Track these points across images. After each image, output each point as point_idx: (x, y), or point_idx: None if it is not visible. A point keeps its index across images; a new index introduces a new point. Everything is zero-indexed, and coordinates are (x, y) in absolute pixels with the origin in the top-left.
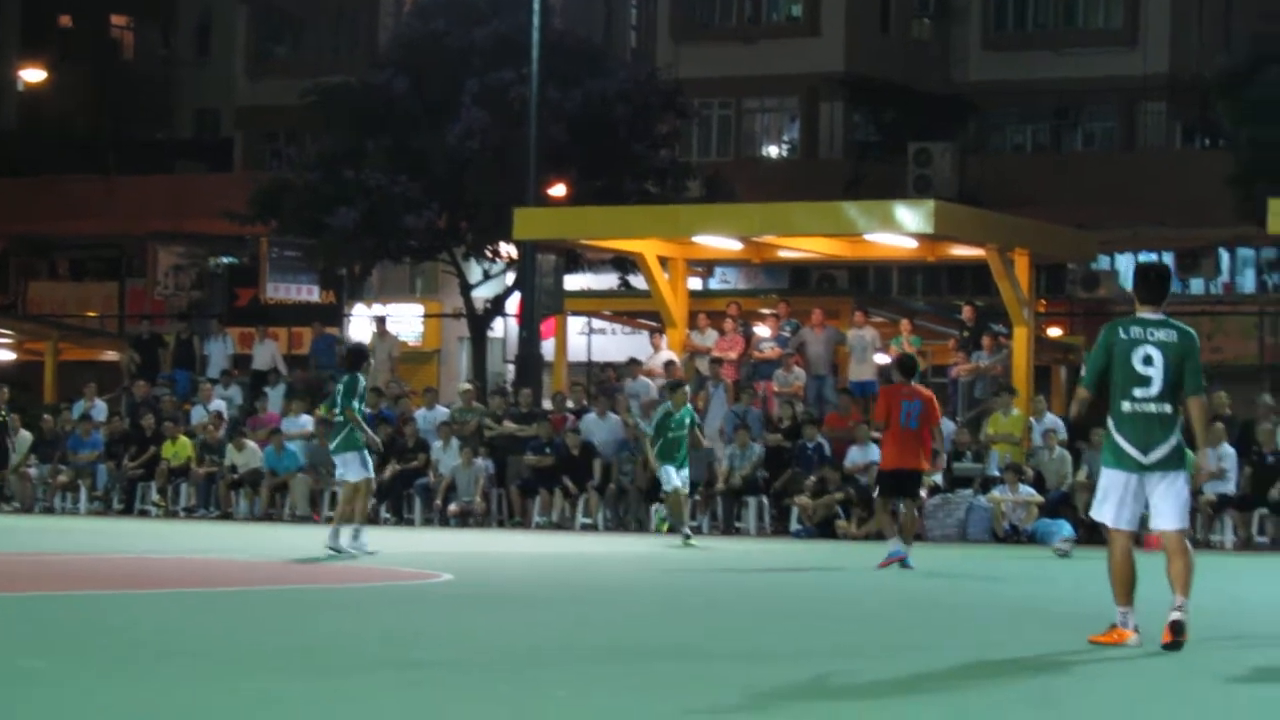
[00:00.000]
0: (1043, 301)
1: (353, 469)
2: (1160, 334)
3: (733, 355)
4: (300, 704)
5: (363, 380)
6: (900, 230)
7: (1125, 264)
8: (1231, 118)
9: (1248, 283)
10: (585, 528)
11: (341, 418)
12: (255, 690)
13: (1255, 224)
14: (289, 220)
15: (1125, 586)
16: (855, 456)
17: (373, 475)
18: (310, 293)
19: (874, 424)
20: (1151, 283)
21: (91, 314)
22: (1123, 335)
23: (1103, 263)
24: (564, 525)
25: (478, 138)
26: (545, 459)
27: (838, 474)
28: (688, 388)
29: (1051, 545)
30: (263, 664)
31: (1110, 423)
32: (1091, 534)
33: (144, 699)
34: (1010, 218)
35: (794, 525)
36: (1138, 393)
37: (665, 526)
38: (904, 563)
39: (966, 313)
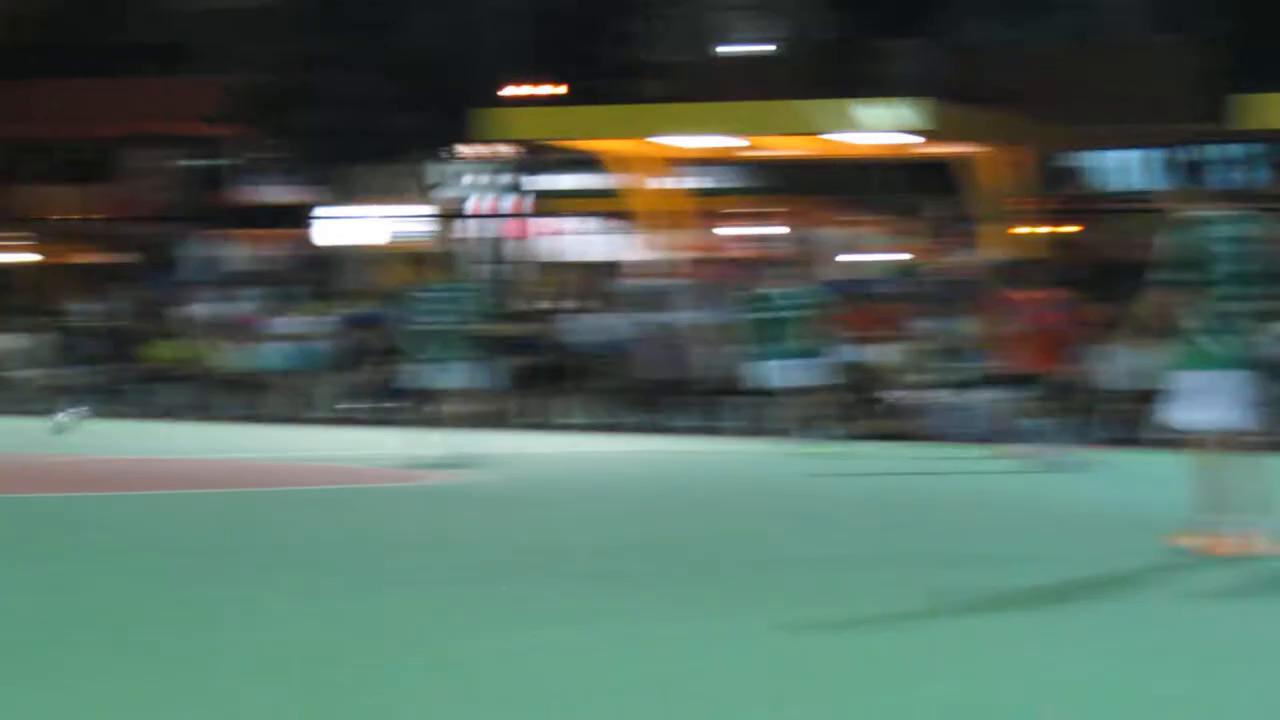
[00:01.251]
0: (1025, 199)
1: (468, 376)
2: (1245, 229)
3: (711, 255)
4: (298, 601)
5: (481, 293)
6: (896, 129)
7: (1106, 161)
8: (1202, 11)
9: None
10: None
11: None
12: (243, 590)
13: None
14: (260, 123)
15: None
16: None
17: (485, 383)
18: (282, 194)
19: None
20: (1211, 178)
21: (72, 217)
22: (1213, 233)
23: (1081, 160)
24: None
25: (444, 37)
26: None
27: None
28: (783, 269)
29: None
30: (250, 563)
31: (1201, 323)
32: None
33: (133, 595)
34: (1003, 115)
35: None
36: (1237, 290)
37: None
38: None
39: (942, 211)
